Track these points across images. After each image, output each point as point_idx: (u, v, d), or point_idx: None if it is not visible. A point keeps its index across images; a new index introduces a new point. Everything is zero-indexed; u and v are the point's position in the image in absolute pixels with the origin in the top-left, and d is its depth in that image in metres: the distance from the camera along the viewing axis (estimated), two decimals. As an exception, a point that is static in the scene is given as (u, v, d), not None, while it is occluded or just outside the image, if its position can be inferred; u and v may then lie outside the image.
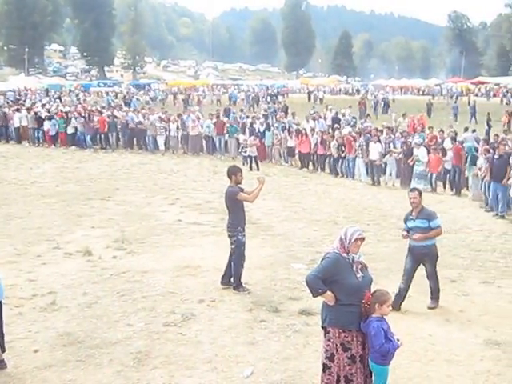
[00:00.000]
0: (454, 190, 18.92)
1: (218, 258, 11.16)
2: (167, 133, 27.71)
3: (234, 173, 9.51)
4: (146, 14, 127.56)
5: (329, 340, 5.65)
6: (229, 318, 8.39)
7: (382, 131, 22.91)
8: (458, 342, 7.79)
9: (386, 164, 20.66)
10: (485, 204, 16.72)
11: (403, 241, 12.79)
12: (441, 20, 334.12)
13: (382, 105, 51.30)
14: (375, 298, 5.53)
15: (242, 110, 35.39)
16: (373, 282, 5.85)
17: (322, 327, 5.79)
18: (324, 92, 69.12)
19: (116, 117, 28.83)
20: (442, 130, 22.01)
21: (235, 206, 9.42)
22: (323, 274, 5.59)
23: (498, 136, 20.22)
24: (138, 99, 52.08)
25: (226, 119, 28.72)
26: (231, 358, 7.20)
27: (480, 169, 16.90)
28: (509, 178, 15.27)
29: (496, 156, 15.80)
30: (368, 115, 36.06)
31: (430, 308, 8.89)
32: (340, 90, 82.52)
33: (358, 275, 5.64)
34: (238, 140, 25.81)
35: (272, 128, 25.76)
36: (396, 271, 10.57)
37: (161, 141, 27.60)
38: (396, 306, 8.28)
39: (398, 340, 5.57)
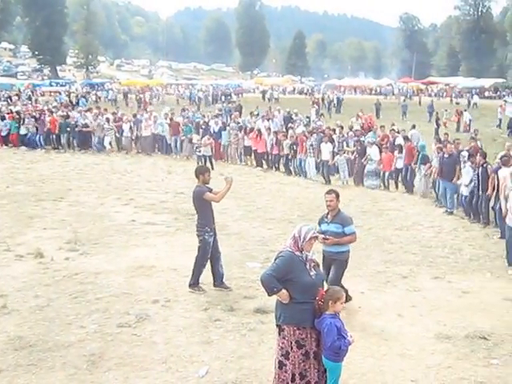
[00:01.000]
0: (406, 188, 19.20)
1: (172, 258, 11.16)
2: (117, 134, 27.54)
3: (201, 172, 9.54)
4: (99, 13, 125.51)
5: (284, 338, 5.69)
6: (184, 318, 8.37)
7: (334, 130, 23.18)
8: (409, 336, 7.94)
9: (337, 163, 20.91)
10: (437, 201, 17.13)
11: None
12: (392, 21, 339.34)
13: (336, 104, 51.79)
14: (329, 295, 5.60)
15: (184, 110, 34.70)
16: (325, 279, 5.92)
17: (277, 325, 5.83)
18: (278, 92, 69.53)
19: (68, 117, 28.39)
20: (393, 129, 22.35)
21: (203, 205, 9.41)
22: (278, 273, 5.63)
23: (447, 134, 20.72)
24: (86, 99, 51.43)
25: (181, 119, 28.57)
26: (186, 357, 7.18)
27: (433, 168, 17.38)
28: (458, 177, 15.65)
29: (446, 155, 16.23)
30: (322, 115, 36.43)
31: None
32: (294, 90, 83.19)
33: (312, 273, 5.70)
34: (191, 140, 25.72)
35: (228, 127, 25.76)
36: (349, 268, 10.70)
37: (106, 141, 27.31)
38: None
39: (350, 337, 5.64)
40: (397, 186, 19.63)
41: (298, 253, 5.71)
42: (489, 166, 14.28)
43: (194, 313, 8.59)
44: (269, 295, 5.79)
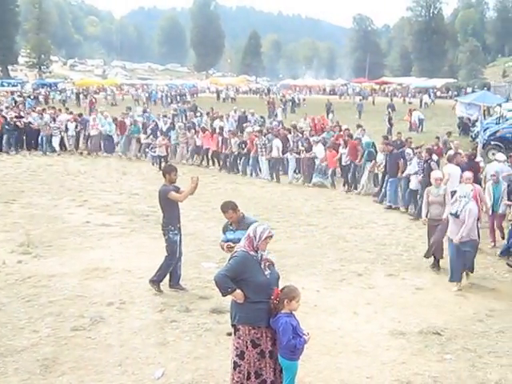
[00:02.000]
0: (348, 185, 19.32)
1: (127, 260, 11.03)
2: (62, 133, 27.24)
3: (168, 172, 9.53)
4: (51, 12, 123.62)
5: (239, 338, 5.69)
6: (139, 320, 8.29)
7: (290, 130, 23.30)
8: (365, 333, 8.03)
9: (287, 161, 21.11)
10: (379, 197, 17.40)
11: (312, 237, 13.12)
12: (346, 22, 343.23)
13: (291, 104, 52.01)
14: (284, 294, 5.60)
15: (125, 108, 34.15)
16: (280, 278, 5.93)
17: (232, 325, 5.84)
18: (234, 92, 69.65)
19: (20, 117, 27.81)
20: (347, 129, 22.51)
21: (167, 204, 9.38)
22: (232, 273, 5.63)
23: (400, 133, 21.07)
24: (32, 99, 50.69)
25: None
26: (142, 359, 7.12)
27: (379, 165, 17.96)
28: (402, 173, 16.20)
29: (388, 153, 16.82)
30: (277, 115, 36.56)
31: None
32: (250, 90, 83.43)
33: (266, 272, 5.71)
34: (139, 140, 25.60)
35: (176, 127, 25.68)
36: (305, 267, 10.81)
37: (55, 142, 26.93)
38: None
39: (307, 334, 5.67)
40: (345, 184, 19.73)
41: (252, 252, 5.71)
42: (432, 163, 14.77)
43: (150, 314, 8.52)
44: (223, 295, 5.79)
